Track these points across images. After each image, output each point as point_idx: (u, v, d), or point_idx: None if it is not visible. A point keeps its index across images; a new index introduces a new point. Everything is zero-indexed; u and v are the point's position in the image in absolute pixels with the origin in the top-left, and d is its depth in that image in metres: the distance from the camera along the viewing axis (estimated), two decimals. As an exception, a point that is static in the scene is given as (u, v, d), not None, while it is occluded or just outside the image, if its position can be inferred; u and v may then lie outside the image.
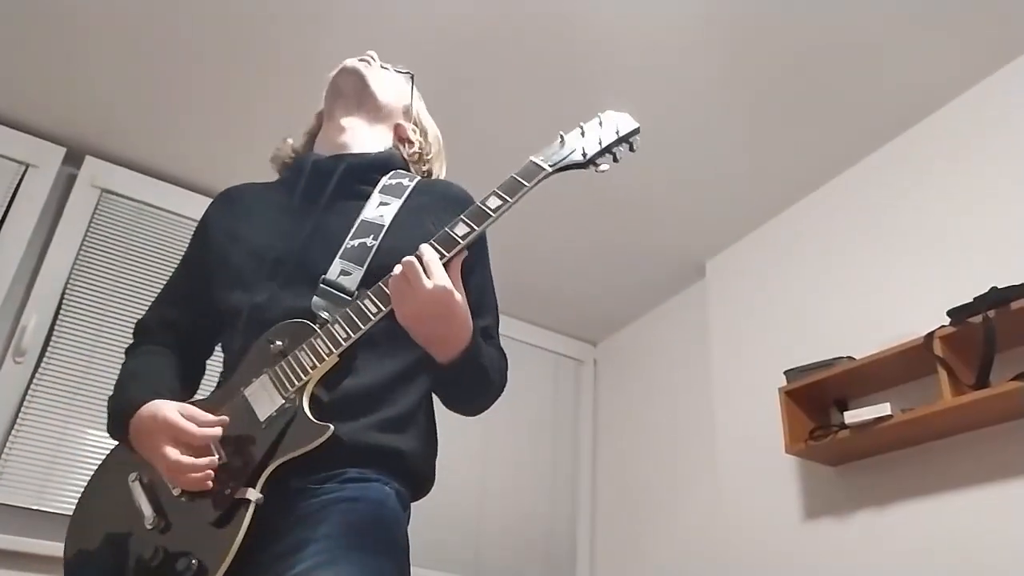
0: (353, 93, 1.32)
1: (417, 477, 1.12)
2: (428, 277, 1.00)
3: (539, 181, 1.11)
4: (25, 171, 2.70)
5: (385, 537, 1.00)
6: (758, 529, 2.61)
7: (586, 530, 3.50)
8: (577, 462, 3.63)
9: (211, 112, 2.68)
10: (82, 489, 1.13)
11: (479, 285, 1.21)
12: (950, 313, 2.05)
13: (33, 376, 2.52)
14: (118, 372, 1.19)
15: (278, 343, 1.06)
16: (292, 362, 1.04)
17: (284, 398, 1.02)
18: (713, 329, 3.10)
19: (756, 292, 2.96)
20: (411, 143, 1.36)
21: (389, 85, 1.37)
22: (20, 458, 2.42)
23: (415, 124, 1.39)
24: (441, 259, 1.03)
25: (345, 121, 1.30)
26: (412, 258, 1.01)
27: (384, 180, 1.24)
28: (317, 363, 1.02)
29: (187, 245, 1.30)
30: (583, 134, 1.17)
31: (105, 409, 1.13)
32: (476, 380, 1.14)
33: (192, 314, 1.23)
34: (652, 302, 3.55)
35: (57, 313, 2.62)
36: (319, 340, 1.04)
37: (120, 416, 1.08)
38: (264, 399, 1.03)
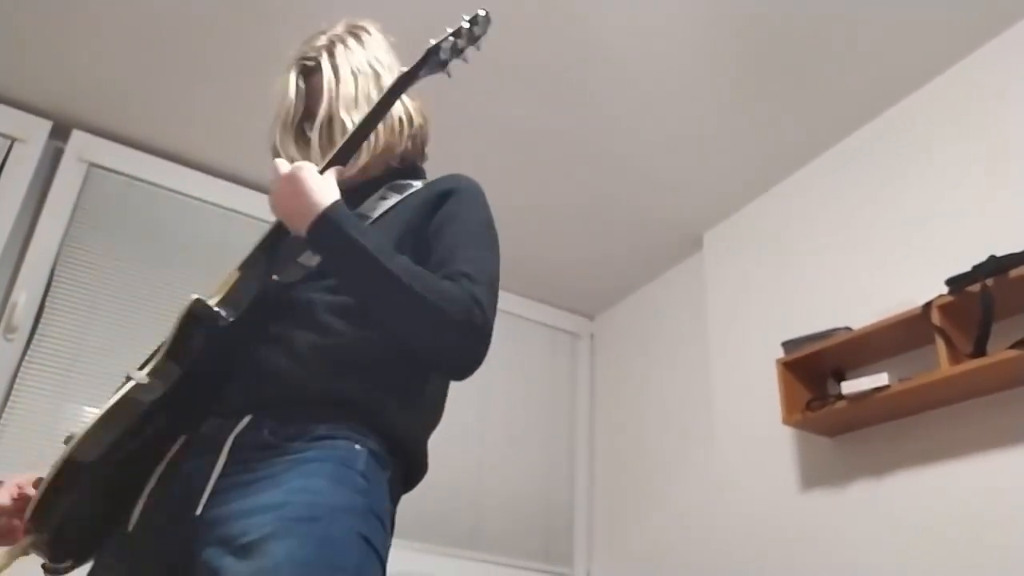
0: None
1: (395, 439, 1.06)
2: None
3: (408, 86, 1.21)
4: (11, 146, 2.66)
5: (342, 504, 0.94)
6: (755, 500, 2.61)
7: (583, 503, 3.51)
8: (574, 436, 3.63)
9: (202, 84, 2.62)
10: None
11: (450, 243, 1.14)
12: (948, 282, 2.03)
13: (24, 353, 2.50)
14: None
15: None
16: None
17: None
18: (710, 301, 3.09)
19: (754, 263, 2.94)
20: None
21: None
22: (13, 435, 2.41)
23: None
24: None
25: None
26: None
27: (398, 180, 1.28)
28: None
29: None
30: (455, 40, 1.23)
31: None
32: (358, 267, 1.04)
33: None
34: (649, 274, 3.53)
35: (47, 289, 2.59)
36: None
37: None
38: None
